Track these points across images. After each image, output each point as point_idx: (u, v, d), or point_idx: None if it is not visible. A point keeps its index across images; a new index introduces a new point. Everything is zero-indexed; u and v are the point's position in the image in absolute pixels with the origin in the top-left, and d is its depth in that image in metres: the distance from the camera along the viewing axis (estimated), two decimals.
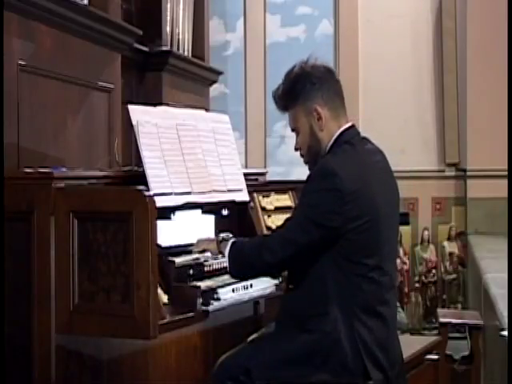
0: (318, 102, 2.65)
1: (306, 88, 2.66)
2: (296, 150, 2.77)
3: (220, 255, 2.84)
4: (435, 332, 5.71)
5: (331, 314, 2.51)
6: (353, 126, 2.70)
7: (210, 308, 2.76)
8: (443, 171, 6.79)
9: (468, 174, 6.40)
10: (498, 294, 3.55)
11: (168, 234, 2.90)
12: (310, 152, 2.71)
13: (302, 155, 2.76)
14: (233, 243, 2.72)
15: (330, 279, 2.53)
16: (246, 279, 2.91)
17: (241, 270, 2.72)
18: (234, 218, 3.30)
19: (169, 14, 5.20)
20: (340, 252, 2.52)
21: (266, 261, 2.58)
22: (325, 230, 2.50)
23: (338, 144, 2.65)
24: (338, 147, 2.64)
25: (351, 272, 2.52)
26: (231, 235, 2.90)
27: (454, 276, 6.62)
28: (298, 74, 2.70)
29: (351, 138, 2.66)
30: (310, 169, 2.72)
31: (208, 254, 2.94)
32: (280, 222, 2.78)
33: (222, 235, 2.89)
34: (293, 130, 2.77)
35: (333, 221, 2.49)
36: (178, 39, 5.37)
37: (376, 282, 2.56)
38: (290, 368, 2.54)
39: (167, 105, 4.54)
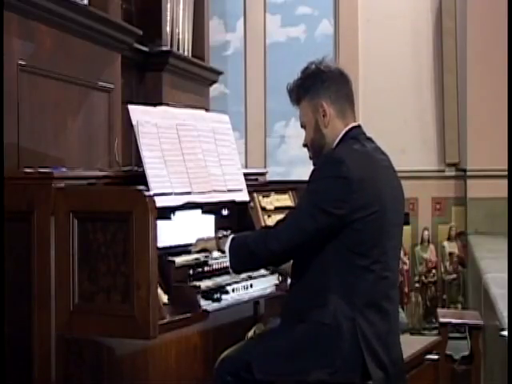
0: (325, 99, 2.71)
1: (316, 85, 2.72)
2: (304, 146, 2.81)
3: (219, 252, 2.84)
4: (435, 332, 5.71)
5: (330, 306, 2.52)
6: (359, 126, 2.75)
7: (210, 308, 2.76)
8: (443, 171, 6.79)
9: (468, 174, 6.40)
10: (498, 294, 3.55)
11: (168, 233, 2.90)
12: (314, 146, 2.75)
13: (308, 149, 2.80)
14: (233, 238, 2.73)
15: (331, 270, 2.54)
16: (248, 271, 2.91)
17: (243, 262, 2.71)
18: (234, 218, 3.30)
19: (169, 14, 5.20)
20: (344, 242, 2.53)
21: (271, 249, 2.58)
22: (332, 218, 2.51)
23: (344, 140, 2.69)
24: (344, 142, 2.69)
25: (354, 263, 2.53)
26: (230, 232, 2.90)
27: (454, 276, 6.62)
28: (312, 70, 2.76)
29: (357, 135, 2.71)
30: (314, 164, 2.75)
31: (208, 254, 2.94)
32: None
33: (222, 232, 2.89)
34: (302, 126, 2.81)
35: (340, 208, 2.50)
36: (178, 39, 5.37)
37: (379, 276, 2.57)
38: (290, 361, 2.55)
39: (167, 105, 4.54)
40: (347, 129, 2.70)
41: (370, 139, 2.74)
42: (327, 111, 2.70)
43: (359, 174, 2.52)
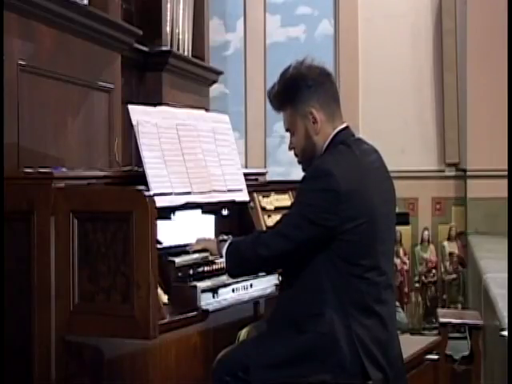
0: (313, 105, 2.64)
1: (301, 90, 2.64)
2: (290, 149, 2.77)
3: (219, 255, 2.84)
4: (435, 332, 5.71)
5: (327, 315, 2.51)
6: (347, 127, 2.70)
7: (210, 308, 2.76)
8: (443, 171, 6.80)
9: (468, 174, 6.41)
10: (498, 294, 3.55)
11: (168, 233, 2.90)
12: (305, 155, 2.71)
13: (296, 155, 2.76)
14: (230, 243, 2.73)
15: (325, 280, 2.53)
16: (243, 275, 2.91)
17: (237, 266, 2.71)
18: (234, 217, 3.30)
19: (169, 13, 5.21)
20: (336, 252, 2.52)
21: (260, 255, 2.58)
22: (321, 229, 2.50)
23: (333, 144, 2.65)
24: (333, 148, 2.64)
25: (347, 272, 2.52)
26: (231, 236, 2.90)
27: (454, 276, 6.62)
28: (293, 75, 2.67)
29: (346, 139, 2.66)
30: (303, 169, 2.73)
31: (207, 254, 2.94)
32: None
33: (223, 236, 2.88)
34: (287, 130, 2.76)
35: (329, 220, 2.49)
36: (178, 39, 5.37)
37: (372, 283, 2.56)
38: (288, 368, 2.54)
39: (167, 105, 4.53)
40: (335, 132, 2.65)
41: (359, 140, 2.71)
42: (317, 117, 2.64)
43: (348, 186, 2.49)
